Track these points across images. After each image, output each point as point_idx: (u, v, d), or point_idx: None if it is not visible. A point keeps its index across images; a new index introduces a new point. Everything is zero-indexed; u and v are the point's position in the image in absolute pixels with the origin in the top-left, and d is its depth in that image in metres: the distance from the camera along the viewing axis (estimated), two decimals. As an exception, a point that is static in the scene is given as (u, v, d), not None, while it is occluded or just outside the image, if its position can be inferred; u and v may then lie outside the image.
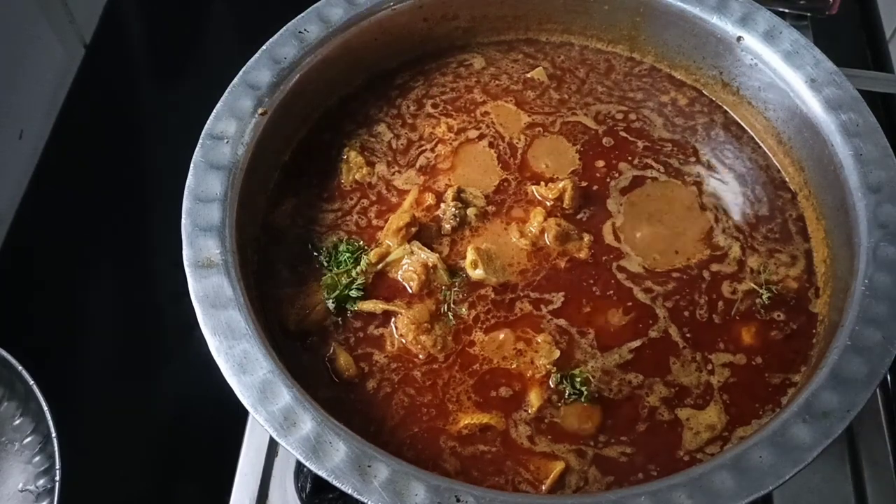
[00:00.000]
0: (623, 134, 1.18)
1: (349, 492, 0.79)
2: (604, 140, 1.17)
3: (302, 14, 1.12)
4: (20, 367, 1.09)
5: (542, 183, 1.12)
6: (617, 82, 1.24)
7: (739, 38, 1.14)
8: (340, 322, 1.01)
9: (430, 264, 1.03)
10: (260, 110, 1.04)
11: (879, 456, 1.10)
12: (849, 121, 1.04)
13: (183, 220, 0.95)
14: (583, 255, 1.06)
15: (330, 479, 0.80)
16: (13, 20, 1.38)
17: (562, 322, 1.01)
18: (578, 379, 0.96)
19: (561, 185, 1.10)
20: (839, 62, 1.09)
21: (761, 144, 1.17)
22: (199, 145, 1.01)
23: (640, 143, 1.17)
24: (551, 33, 1.27)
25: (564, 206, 1.09)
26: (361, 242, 1.06)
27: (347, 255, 1.04)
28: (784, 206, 1.12)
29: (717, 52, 1.17)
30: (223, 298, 0.90)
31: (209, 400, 1.02)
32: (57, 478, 1.03)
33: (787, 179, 1.14)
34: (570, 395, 0.95)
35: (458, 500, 0.79)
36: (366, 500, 0.79)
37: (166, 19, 1.66)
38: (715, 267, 1.06)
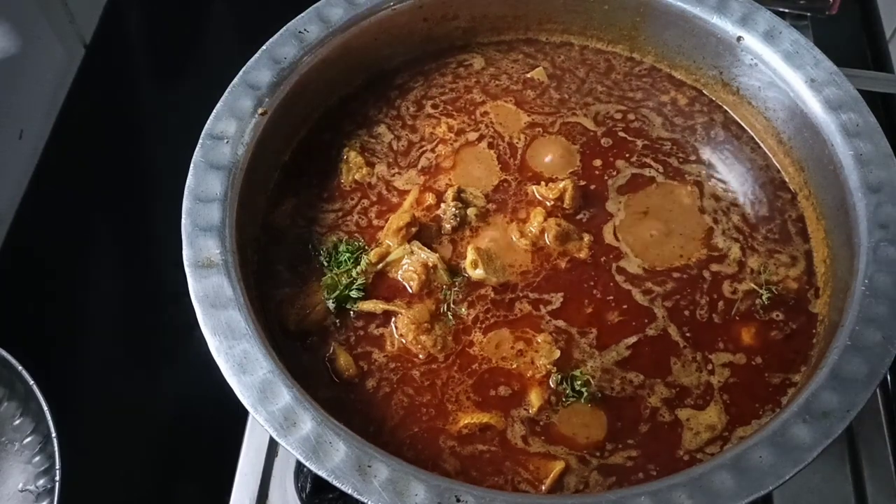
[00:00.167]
0: (622, 134, 1.18)
1: (349, 492, 0.79)
2: (603, 140, 1.17)
3: (302, 14, 1.12)
4: (20, 367, 1.09)
5: (543, 183, 1.12)
6: (617, 82, 1.24)
7: (739, 38, 1.14)
8: (340, 322, 1.01)
9: (431, 264, 1.03)
10: (260, 110, 1.04)
11: (879, 456, 1.10)
12: (849, 121, 1.04)
13: (183, 220, 0.95)
14: (583, 255, 1.06)
15: (330, 479, 0.80)
16: (13, 20, 1.38)
17: (561, 323, 1.01)
18: (579, 381, 0.96)
19: (561, 185, 1.10)
20: (839, 62, 1.09)
21: (761, 144, 1.17)
22: (199, 145, 1.01)
23: (639, 142, 1.17)
24: (551, 33, 1.27)
25: (565, 206, 1.09)
26: (361, 242, 1.06)
27: (347, 255, 1.04)
28: (784, 207, 1.12)
29: (717, 52, 1.17)
30: (223, 298, 0.90)
31: (209, 400, 1.02)
32: (57, 478, 1.03)
33: (786, 179, 1.14)
34: (569, 396, 0.95)
35: (458, 500, 0.79)
36: (366, 500, 0.79)
37: (166, 19, 1.66)
38: (715, 267, 1.06)
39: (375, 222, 1.09)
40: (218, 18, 1.71)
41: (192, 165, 0.99)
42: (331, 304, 1.01)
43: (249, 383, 0.85)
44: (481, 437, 0.94)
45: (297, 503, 1.08)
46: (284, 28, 1.11)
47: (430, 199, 1.09)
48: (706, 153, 1.17)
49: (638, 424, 0.95)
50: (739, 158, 1.16)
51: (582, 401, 0.95)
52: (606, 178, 1.13)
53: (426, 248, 1.04)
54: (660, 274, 1.05)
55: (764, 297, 1.03)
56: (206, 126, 1.02)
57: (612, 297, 1.03)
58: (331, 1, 1.13)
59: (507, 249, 1.07)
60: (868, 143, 1.02)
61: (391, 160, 1.15)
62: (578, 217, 1.10)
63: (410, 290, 1.03)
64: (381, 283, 1.04)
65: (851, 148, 1.02)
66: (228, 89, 1.05)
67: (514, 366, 0.98)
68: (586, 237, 1.07)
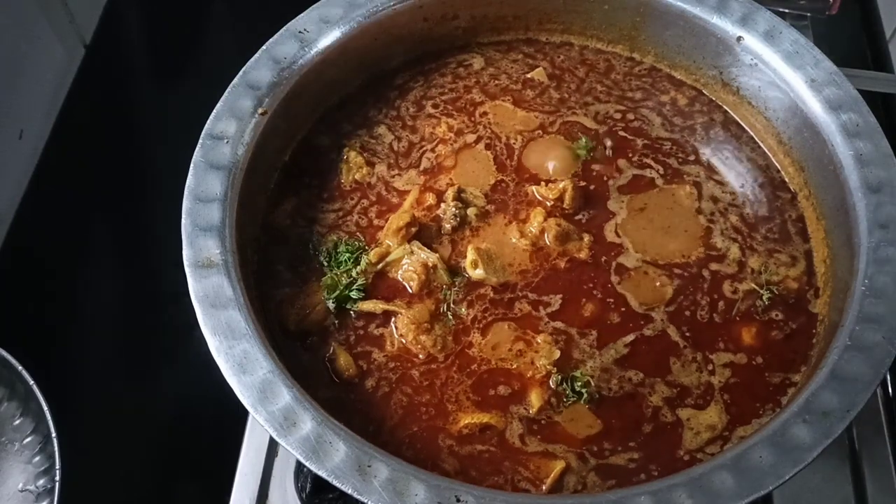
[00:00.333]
0: (622, 133, 1.18)
1: (349, 492, 0.79)
2: (603, 140, 1.17)
3: (302, 14, 1.12)
4: (20, 367, 1.09)
5: (542, 183, 1.12)
6: (616, 82, 1.24)
7: (739, 38, 1.14)
8: (340, 322, 1.01)
9: (430, 264, 1.03)
10: (260, 110, 1.04)
11: (879, 456, 1.10)
12: (849, 121, 1.04)
13: (183, 220, 0.95)
14: (583, 255, 1.06)
15: (330, 479, 0.80)
16: (13, 20, 1.38)
17: (560, 324, 1.01)
18: (579, 381, 0.96)
19: (561, 185, 1.10)
20: (839, 62, 1.09)
21: (761, 144, 1.17)
22: (199, 145, 1.01)
23: (639, 142, 1.17)
24: (551, 33, 1.27)
25: (564, 206, 1.09)
26: (362, 242, 1.06)
27: (347, 255, 1.04)
28: (784, 207, 1.12)
29: (717, 52, 1.17)
30: (223, 298, 0.90)
31: (209, 400, 1.02)
32: (57, 478, 1.03)
33: (786, 179, 1.14)
34: (570, 396, 0.95)
35: (458, 500, 0.79)
36: (366, 500, 0.79)
37: (166, 19, 1.66)
38: (715, 267, 1.06)
39: (375, 222, 1.09)
40: (218, 18, 1.71)
41: (192, 165, 0.99)
42: (331, 304, 1.01)
43: (249, 383, 0.85)
44: (481, 437, 0.94)
45: (297, 503, 1.08)
46: (284, 28, 1.11)
47: (430, 199, 1.09)
48: (706, 153, 1.17)
49: (639, 424, 0.95)
50: (739, 158, 1.16)
51: (582, 401, 0.95)
52: (607, 179, 1.13)
53: (426, 248, 1.04)
54: (660, 273, 1.05)
55: (764, 297, 1.03)
56: (206, 126, 1.02)
57: (611, 298, 1.03)
58: (331, 1, 1.13)
59: (508, 249, 1.07)
60: (868, 143, 1.02)
61: (391, 160, 1.15)
62: (578, 217, 1.10)
63: (410, 290, 1.03)
64: (381, 283, 1.04)
65: (851, 148, 1.02)
66: (228, 89, 1.05)
67: (514, 366, 0.98)
68: (586, 237, 1.07)
